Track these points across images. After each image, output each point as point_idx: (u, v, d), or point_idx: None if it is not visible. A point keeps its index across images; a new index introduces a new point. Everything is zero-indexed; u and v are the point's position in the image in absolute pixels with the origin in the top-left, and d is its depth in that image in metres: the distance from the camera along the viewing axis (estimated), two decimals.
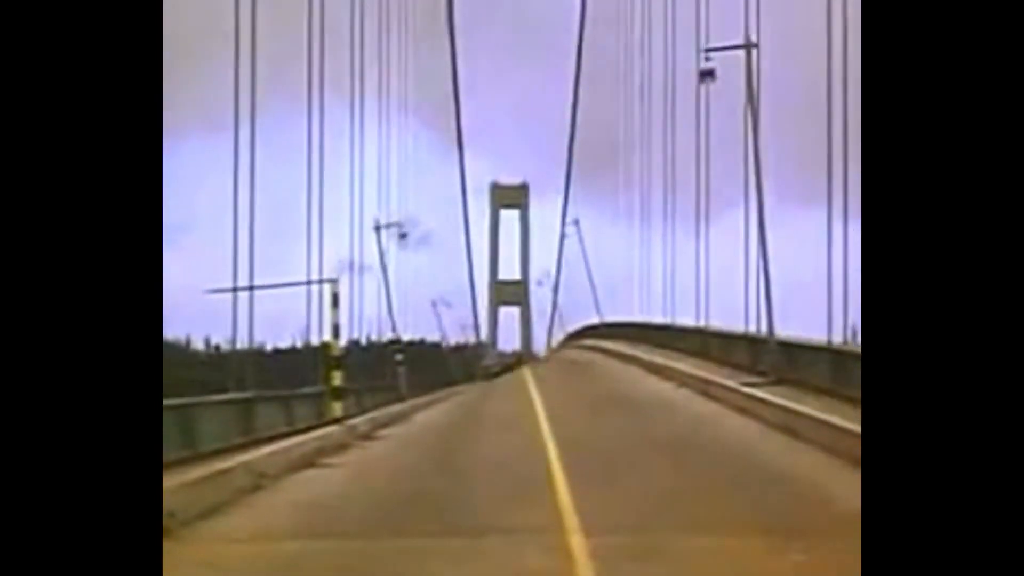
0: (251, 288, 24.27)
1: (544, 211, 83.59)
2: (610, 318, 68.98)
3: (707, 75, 32.62)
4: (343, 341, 28.53)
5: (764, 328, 30.51)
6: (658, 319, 52.13)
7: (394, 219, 50.04)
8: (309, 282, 29.43)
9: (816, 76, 28.79)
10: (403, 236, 51.76)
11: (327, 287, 27.21)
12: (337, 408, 25.45)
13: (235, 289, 23.84)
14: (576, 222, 77.46)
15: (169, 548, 5.64)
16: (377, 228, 46.81)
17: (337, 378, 25.97)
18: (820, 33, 28.84)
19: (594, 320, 75.92)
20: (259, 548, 10.97)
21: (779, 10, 33.93)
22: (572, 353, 70.75)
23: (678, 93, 47.32)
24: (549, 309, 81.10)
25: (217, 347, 38.30)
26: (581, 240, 77.92)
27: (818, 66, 28.79)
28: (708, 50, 33.01)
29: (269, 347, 30.03)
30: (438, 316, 68.36)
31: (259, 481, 14.75)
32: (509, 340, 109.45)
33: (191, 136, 38.53)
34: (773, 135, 32.40)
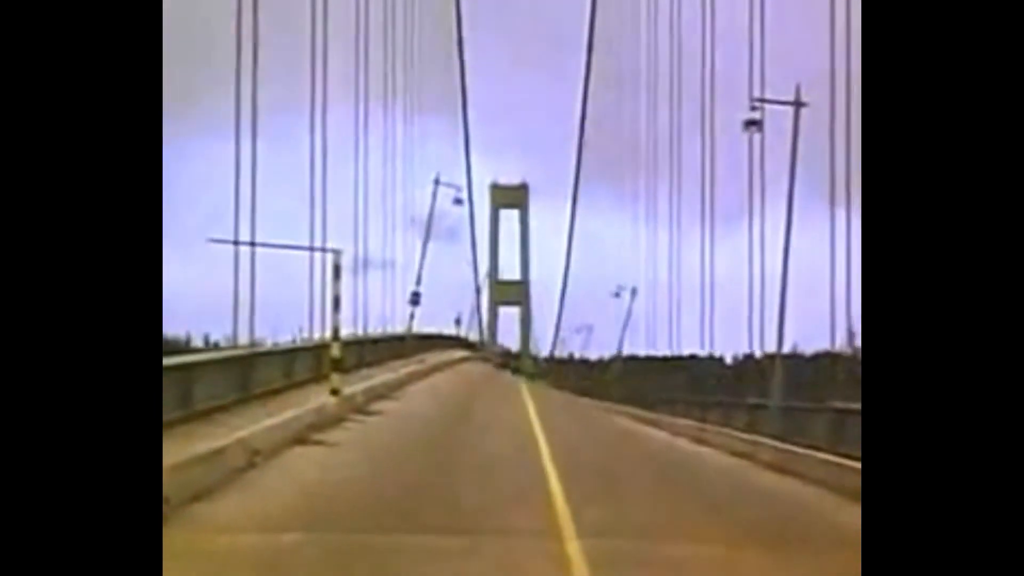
0: (252, 244, 24.21)
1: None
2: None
3: (753, 124, 31.39)
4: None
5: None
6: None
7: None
8: (312, 248, 29.01)
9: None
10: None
11: (329, 257, 27.01)
12: (335, 380, 25.59)
13: (236, 242, 23.76)
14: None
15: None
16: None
17: (336, 349, 26.17)
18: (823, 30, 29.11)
19: None
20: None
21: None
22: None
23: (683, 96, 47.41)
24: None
25: (216, 344, 37.97)
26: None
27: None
28: (756, 101, 31.65)
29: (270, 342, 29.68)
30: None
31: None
32: (508, 341, 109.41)
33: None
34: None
